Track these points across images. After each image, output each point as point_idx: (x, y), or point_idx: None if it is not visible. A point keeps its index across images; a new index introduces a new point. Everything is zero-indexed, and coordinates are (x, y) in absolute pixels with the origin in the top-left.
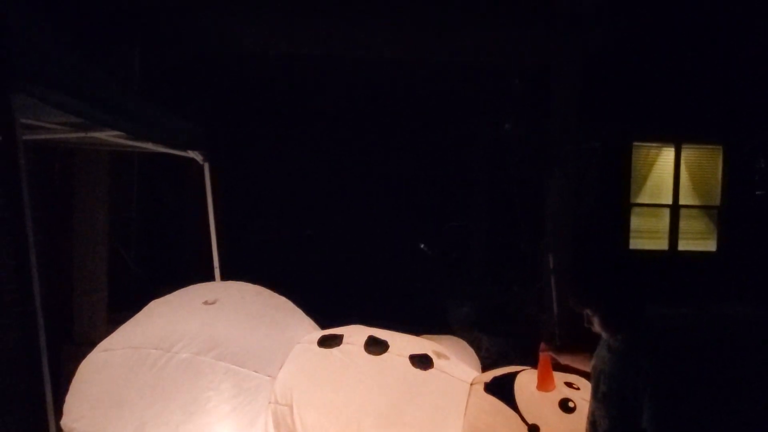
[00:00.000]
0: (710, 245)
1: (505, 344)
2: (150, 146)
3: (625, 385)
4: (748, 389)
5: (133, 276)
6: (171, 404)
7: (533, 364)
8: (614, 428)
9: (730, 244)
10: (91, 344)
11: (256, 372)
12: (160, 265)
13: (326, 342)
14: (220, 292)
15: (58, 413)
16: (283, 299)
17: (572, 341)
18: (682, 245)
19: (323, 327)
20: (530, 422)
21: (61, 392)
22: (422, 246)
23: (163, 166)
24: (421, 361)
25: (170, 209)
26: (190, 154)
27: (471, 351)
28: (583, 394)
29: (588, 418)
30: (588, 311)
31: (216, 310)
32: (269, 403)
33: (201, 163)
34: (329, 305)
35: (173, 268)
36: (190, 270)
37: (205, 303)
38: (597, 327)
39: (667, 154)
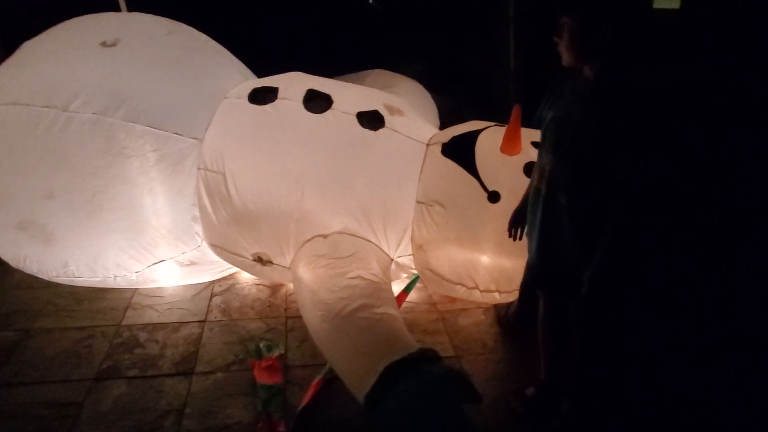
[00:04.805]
0: (674, 2)
1: (459, 102)
2: None
3: (597, 134)
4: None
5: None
6: (81, 172)
7: (494, 120)
8: (579, 182)
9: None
10: None
11: (178, 134)
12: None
13: (258, 97)
14: (119, 30)
15: None
16: (204, 38)
17: (524, 99)
18: None
19: (258, 74)
20: (491, 189)
21: None
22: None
23: None
24: (371, 120)
25: None
26: None
27: (428, 96)
28: None
29: (539, 174)
30: (566, 19)
31: (117, 54)
32: (198, 168)
33: None
34: (264, 48)
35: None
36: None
37: (103, 45)
38: (564, 52)
39: None
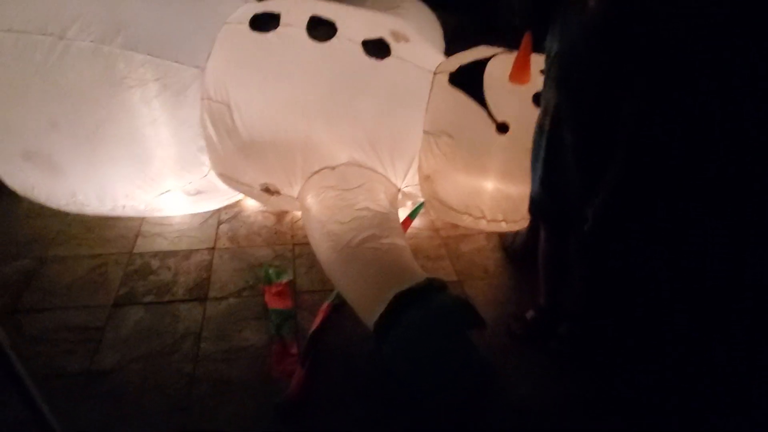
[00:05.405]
0: None
1: (463, 20)
2: None
3: (604, 70)
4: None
5: None
6: (82, 102)
7: (500, 45)
8: (585, 119)
9: None
10: None
11: (179, 63)
12: None
13: (260, 23)
14: None
15: None
16: None
17: (531, 19)
18: None
19: None
20: (499, 120)
21: None
22: None
23: None
24: (376, 48)
25: None
26: None
27: (433, 18)
28: None
29: (543, 109)
30: None
31: None
32: (202, 99)
33: None
34: None
35: None
36: None
37: None
38: None
39: None
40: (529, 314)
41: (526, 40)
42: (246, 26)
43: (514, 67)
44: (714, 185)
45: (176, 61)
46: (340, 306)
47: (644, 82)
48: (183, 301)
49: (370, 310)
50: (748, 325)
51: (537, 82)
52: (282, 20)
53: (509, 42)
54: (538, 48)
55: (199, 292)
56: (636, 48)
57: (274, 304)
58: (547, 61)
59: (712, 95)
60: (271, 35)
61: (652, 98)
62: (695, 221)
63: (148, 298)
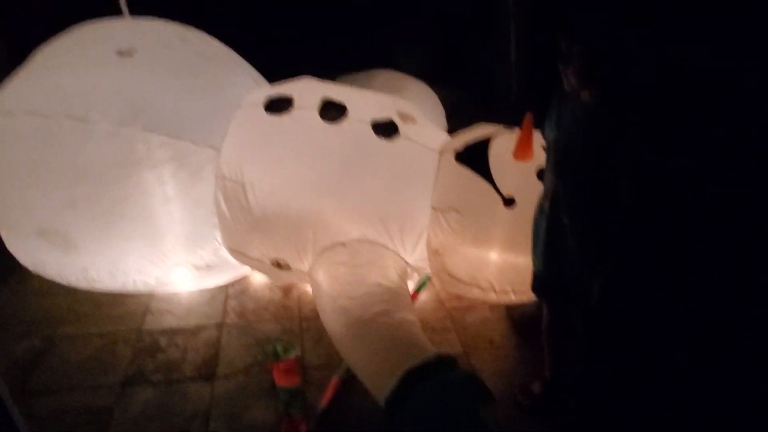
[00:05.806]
0: None
1: (461, 95)
2: None
3: (599, 159)
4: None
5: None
6: (101, 182)
7: (498, 121)
8: (582, 204)
9: None
10: None
11: (195, 144)
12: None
13: (274, 106)
14: (133, 37)
15: None
16: (217, 44)
17: (527, 96)
18: None
19: (260, 70)
20: (506, 194)
21: None
22: None
23: None
24: (385, 129)
25: None
26: None
27: (435, 98)
28: None
29: (543, 193)
30: (576, 48)
31: (134, 63)
32: (216, 177)
33: None
34: (272, 50)
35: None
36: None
37: (119, 53)
38: (572, 78)
39: None
40: (536, 387)
41: (528, 119)
42: (261, 109)
43: (517, 145)
44: (714, 230)
45: (193, 143)
46: (348, 381)
47: (638, 133)
48: (191, 379)
49: (381, 385)
50: (750, 365)
51: (540, 157)
52: (295, 103)
53: (506, 118)
54: (538, 125)
55: (208, 370)
56: (629, 136)
57: (282, 381)
58: (546, 148)
59: (710, 142)
60: (285, 117)
61: (651, 178)
62: (695, 264)
63: (157, 377)
